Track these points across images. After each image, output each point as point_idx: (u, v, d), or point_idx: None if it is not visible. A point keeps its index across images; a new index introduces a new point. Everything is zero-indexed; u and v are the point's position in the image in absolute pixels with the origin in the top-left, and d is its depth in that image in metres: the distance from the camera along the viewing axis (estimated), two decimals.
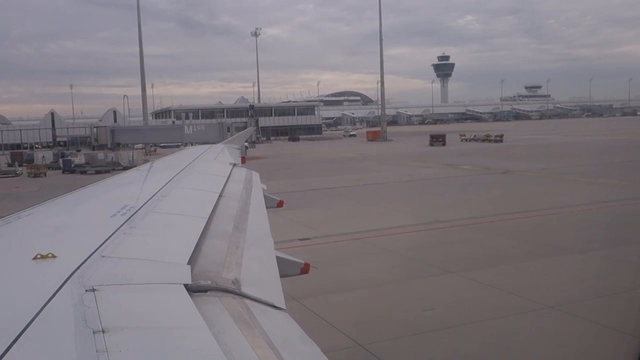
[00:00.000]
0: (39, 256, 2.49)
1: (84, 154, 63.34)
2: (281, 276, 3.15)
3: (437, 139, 78.21)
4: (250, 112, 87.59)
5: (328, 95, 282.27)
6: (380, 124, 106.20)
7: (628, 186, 30.48)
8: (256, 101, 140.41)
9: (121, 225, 3.29)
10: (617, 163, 43.79)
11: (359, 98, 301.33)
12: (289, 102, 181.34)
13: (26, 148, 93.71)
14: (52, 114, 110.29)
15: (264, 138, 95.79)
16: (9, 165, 63.01)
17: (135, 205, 4.02)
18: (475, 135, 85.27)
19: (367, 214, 26.53)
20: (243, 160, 9.91)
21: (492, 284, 14.68)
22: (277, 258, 3.51)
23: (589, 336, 11.24)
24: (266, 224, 4.59)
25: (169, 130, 73.54)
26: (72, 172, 57.02)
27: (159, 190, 4.89)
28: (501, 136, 79.71)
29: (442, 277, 15.65)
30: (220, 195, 5.14)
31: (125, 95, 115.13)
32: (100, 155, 60.62)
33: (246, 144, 75.79)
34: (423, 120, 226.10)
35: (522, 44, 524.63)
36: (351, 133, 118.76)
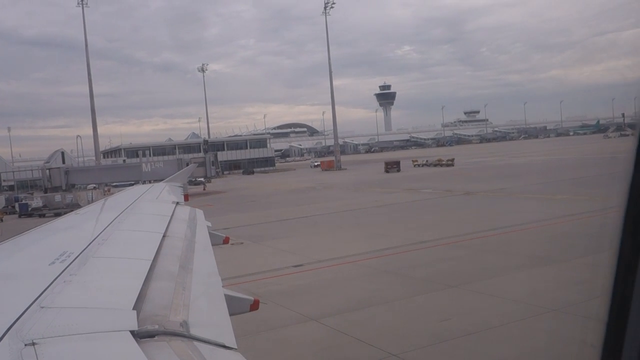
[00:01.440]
0: None
1: (40, 197, 61.64)
2: (231, 314, 3.08)
3: (392, 166, 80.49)
4: (205, 146, 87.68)
5: (275, 128, 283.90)
6: (334, 154, 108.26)
7: (585, 200, 32.73)
8: (206, 136, 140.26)
9: (61, 273, 3.16)
10: (567, 180, 46.43)
11: (305, 129, 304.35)
12: (235, 136, 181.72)
13: None
14: None
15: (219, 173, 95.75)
16: None
17: (74, 250, 3.87)
18: (427, 161, 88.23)
19: (349, 239, 27.41)
20: (186, 197, 9.72)
21: (494, 294, 15.86)
22: (226, 296, 3.44)
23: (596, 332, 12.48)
24: (213, 262, 4.50)
25: (127, 169, 72.59)
26: (30, 215, 55.40)
27: (99, 234, 4.74)
28: (452, 160, 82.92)
29: (445, 291, 16.71)
30: (164, 236, 5.01)
31: (78, 136, 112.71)
32: (57, 197, 59.17)
33: (202, 179, 75.42)
34: (369, 149, 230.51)
35: (459, 71, 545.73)
36: (316, 164, 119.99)
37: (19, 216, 56.30)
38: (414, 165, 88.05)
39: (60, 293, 2.75)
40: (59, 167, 75.15)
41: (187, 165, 70.31)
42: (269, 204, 50.09)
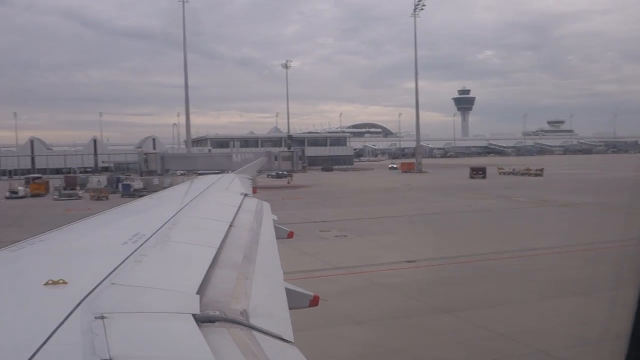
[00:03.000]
0: (50, 282, 2.52)
1: (140, 179, 65.44)
2: (290, 308, 3.11)
3: (478, 172, 79.32)
4: (289, 141, 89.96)
5: (350, 127, 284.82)
6: (415, 156, 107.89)
7: None
8: (286, 131, 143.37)
9: (132, 253, 3.33)
10: None
11: (380, 130, 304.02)
12: (311, 132, 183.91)
13: (69, 172, 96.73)
14: (95, 140, 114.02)
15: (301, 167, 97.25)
16: (64, 188, 65.05)
17: (146, 233, 4.06)
18: (514, 169, 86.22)
19: (452, 240, 27.66)
20: (254, 190, 9.92)
21: (627, 303, 15.81)
22: (286, 290, 3.46)
23: None
24: (276, 255, 4.52)
25: (218, 158, 75.66)
26: (131, 196, 58.78)
27: (170, 219, 4.94)
28: (541, 170, 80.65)
29: (573, 298, 16.85)
30: (230, 225, 5.13)
31: (174, 124, 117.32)
32: (155, 180, 62.64)
33: (285, 172, 76.78)
34: (445, 153, 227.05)
35: (542, 79, 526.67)
36: (393, 165, 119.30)
37: (122, 196, 59.89)
38: (499, 173, 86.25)
39: (131, 272, 2.89)
40: (155, 153, 79.40)
41: (276, 158, 72.53)
42: (359, 201, 50.84)
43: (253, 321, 2.51)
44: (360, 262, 23.01)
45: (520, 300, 16.71)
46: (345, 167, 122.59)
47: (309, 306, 3.87)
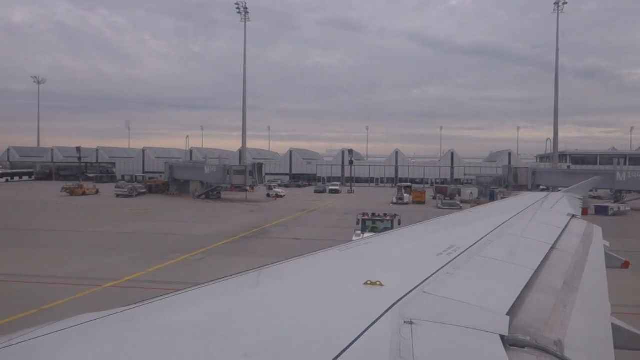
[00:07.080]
0: (369, 282, 2.68)
1: (522, 194, 66.38)
2: (616, 347, 2.68)
3: None
4: None
5: None
6: None
7: None
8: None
9: (445, 265, 3.32)
10: None
11: None
12: None
13: (424, 183, 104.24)
14: (452, 153, 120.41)
15: None
16: (444, 198, 70.12)
17: (461, 246, 4.04)
18: None
19: None
20: (584, 211, 9.01)
21: None
22: (613, 326, 3.04)
23: None
24: (604, 285, 4.04)
25: (598, 177, 71.42)
26: None
27: (487, 234, 4.80)
28: None
29: None
30: (552, 247, 4.81)
31: (548, 139, 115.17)
32: None
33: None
34: None
35: None
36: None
37: None
38: None
39: (442, 283, 2.90)
40: (526, 168, 79.12)
41: None
42: None
43: (568, 354, 2.34)
44: None
45: None
46: None
47: None
